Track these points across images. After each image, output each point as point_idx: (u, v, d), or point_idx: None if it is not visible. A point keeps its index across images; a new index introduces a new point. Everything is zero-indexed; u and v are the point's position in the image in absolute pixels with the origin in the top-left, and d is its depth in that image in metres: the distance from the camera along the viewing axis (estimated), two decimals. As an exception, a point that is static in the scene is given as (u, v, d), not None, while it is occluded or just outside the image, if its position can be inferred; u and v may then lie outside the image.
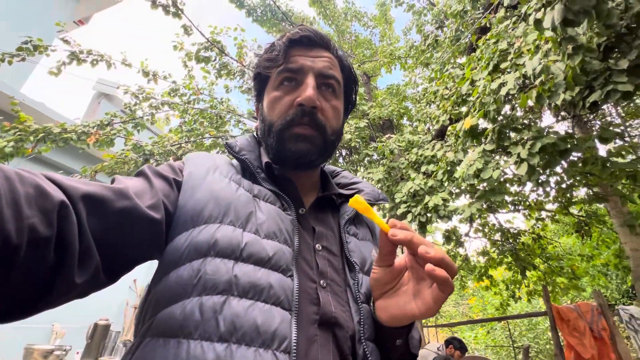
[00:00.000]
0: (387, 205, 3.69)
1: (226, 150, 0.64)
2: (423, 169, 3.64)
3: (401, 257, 0.48)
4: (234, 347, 0.38)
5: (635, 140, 4.72)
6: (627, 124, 5.20)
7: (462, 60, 3.95)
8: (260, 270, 0.44)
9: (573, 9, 1.06)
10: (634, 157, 3.88)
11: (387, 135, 4.07)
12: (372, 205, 0.62)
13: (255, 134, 0.69)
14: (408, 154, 3.83)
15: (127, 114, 4.47)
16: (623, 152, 3.35)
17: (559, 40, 1.43)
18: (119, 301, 5.12)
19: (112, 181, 0.46)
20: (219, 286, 0.41)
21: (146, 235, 0.43)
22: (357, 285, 0.52)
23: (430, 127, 4.28)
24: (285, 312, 0.42)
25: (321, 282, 0.50)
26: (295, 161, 0.57)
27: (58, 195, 0.33)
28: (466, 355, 3.95)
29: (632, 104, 4.93)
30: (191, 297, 0.41)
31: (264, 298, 0.42)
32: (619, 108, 5.03)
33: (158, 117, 4.70)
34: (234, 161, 0.63)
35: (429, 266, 0.39)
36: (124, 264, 0.42)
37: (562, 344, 3.75)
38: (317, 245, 0.54)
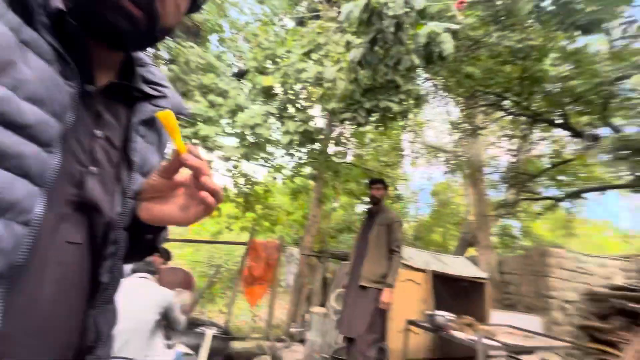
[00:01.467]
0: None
1: None
2: (210, 97, 3.59)
3: (183, 174, 0.53)
4: None
5: (348, 152, 7.03)
6: (349, 139, 7.64)
7: (291, 23, 4.20)
8: (10, 136, 0.38)
9: (367, 58, 1.55)
10: (343, 160, 5.87)
11: (189, 44, 3.63)
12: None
13: None
14: (204, 75, 3.63)
15: None
16: (339, 155, 4.98)
17: (350, 67, 1.96)
18: None
19: None
20: None
21: None
22: (130, 182, 0.54)
23: (236, 63, 4.26)
24: (33, 186, 0.40)
25: (91, 168, 0.49)
26: (104, 36, 0.50)
27: None
28: (169, 266, 4.39)
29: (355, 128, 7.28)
30: None
31: (6, 166, 0.38)
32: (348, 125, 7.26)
33: None
34: None
35: (204, 193, 0.47)
36: None
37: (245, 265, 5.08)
38: (97, 132, 0.51)
